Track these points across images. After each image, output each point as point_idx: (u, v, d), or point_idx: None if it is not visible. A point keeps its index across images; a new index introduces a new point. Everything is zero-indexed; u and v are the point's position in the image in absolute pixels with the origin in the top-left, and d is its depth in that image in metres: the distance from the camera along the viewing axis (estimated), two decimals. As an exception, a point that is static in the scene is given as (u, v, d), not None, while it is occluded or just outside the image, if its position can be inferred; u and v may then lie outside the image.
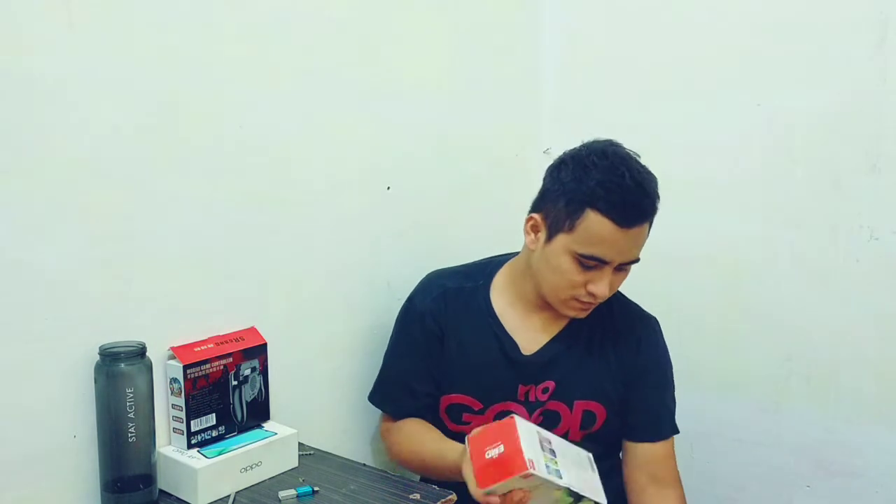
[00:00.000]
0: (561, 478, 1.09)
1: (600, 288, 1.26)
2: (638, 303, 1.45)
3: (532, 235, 1.33)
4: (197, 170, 1.22)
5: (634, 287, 1.48)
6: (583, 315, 1.33)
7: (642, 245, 1.29)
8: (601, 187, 1.23)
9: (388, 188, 1.55)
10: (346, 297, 1.49)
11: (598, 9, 1.86)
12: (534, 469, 1.05)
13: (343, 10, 1.42)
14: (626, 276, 1.31)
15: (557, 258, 1.27)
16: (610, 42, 1.85)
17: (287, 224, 1.36)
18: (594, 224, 1.23)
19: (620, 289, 1.41)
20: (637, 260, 1.29)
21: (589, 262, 1.25)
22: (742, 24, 1.66)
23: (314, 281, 1.43)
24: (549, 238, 1.29)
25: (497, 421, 1.16)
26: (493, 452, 1.09)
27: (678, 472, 1.41)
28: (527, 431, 1.11)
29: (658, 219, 1.79)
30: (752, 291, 1.71)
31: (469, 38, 1.72)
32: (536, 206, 1.33)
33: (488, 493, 1.08)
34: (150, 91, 1.15)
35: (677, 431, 1.42)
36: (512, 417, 1.12)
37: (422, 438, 1.37)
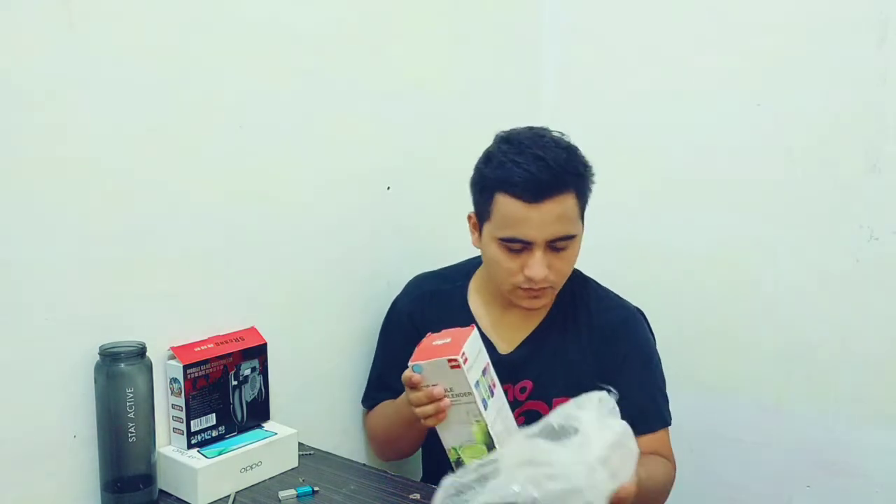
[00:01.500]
0: (486, 409, 1.08)
1: (534, 270, 1.24)
2: (637, 302, 1.44)
3: (475, 234, 1.35)
4: (197, 170, 1.22)
5: (634, 286, 1.48)
6: (537, 304, 1.32)
7: (570, 219, 1.26)
8: (502, 169, 1.24)
9: (388, 188, 1.55)
10: (345, 297, 1.49)
11: (598, 9, 1.86)
12: (463, 363, 1.05)
13: (343, 10, 1.42)
14: (570, 255, 1.29)
15: (488, 249, 1.29)
16: (610, 42, 1.85)
17: (287, 224, 1.37)
18: (504, 206, 1.24)
19: (608, 284, 1.42)
20: (570, 236, 1.26)
21: (513, 246, 1.25)
22: (742, 24, 1.66)
23: (314, 281, 1.43)
24: (480, 232, 1.31)
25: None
26: (439, 342, 1.12)
27: (673, 458, 1.36)
28: (477, 346, 1.12)
29: (658, 218, 1.80)
30: (752, 291, 1.71)
31: (469, 38, 1.72)
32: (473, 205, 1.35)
33: (414, 368, 1.09)
34: (150, 91, 1.15)
35: (667, 423, 1.36)
36: (473, 326, 1.14)
37: (389, 403, 1.37)
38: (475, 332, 1.13)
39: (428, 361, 1.08)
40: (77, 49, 1.06)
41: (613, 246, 1.87)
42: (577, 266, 1.42)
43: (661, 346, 1.41)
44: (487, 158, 1.29)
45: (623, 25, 1.83)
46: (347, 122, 1.45)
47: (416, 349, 1.13)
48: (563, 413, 1.00)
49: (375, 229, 1.53)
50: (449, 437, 1.10)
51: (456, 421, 1.09)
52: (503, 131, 1.31)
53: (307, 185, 1.40)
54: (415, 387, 1.10)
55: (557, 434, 0.98)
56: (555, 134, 1.29)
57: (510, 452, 0.98)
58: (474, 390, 1.07)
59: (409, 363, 1.10)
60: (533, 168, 1.22)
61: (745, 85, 1.66)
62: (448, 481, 0.97)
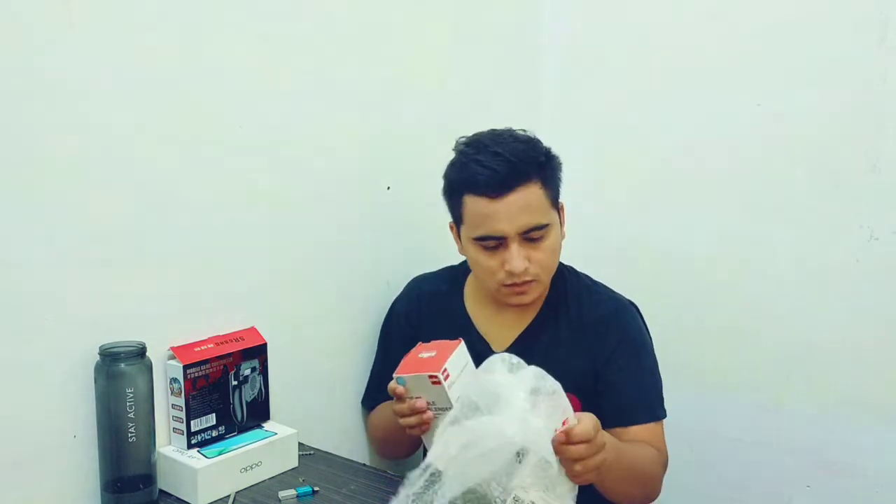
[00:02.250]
0: None
1: (513, 264, 1.26)
2: (637, 301, 1.44)
3: (458, 242, 1.37)
4: (197, 169, 1.22)
5: (634, 285, 1.48)
6: (525, 299, 1.32)
7: (538, 208, 1.26)
8: (464, 171, 1.28)
9: (388, 188, 1.55)
10: (345, 296, 1.49)
11: (598, 9, 1.86)
12: (444, 380, 1.06)
13: (343, 9, 1.42)
14: (549, 245, 1.29)
15: (468, 251, 1.32)
16: (610, 42, 1.85)
17: (287, 224, 1.37)
18: (472, 206, 1.27)
19: (608, 283, 1.42)
20: (542, 226, 1.26)
21: (488, 244, 1.27)
22: (742, 24, 1.66)
23: (314, 281, 1.43)
24: (460, 238, 1.34)
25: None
26: (425, 355, 1.13)
27: (666, 452, 1.33)
28: (462, 361, 1.12)
29: (658, 218, 1.80)
30: (752, 291, 1.71)
31: (469, 39, 1.72)
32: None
33: (398, 380, 1.11)
34: (150, 91, 1.15)
35: (657, 417, 1.33)
36: (460, 340, 1.15)
37: (388, 405, 1.36)
38: (462, 346, 1.14)
39: (410, 375, 1.09)
40: (77, 49, 1.06)
41: (613, 245, 1.87)
42: (575, 264, 1.43)
43: (660, 346, 1.41)
44: (451, 164, 1.32)
45: (623, 25, 1.83)
46: (347, 122, 1.45)
47: (403, 360, 1.14)
48: (478, 384, 1.00)
49: (375, 229, 1.53)
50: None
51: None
52: (464, 136, 1.32)
53: (307, 184, 1.39)
54: (400, 398, 1.11)
55: (481, 406, 0.98)
56: (517, 132, 1.31)
57: (439, 452, 0.97)
58: (455, 406, 1.06)
59: (394, 375, 1.12)
60: (492, 164, 1.24)
61: (745, 85, 1.66)
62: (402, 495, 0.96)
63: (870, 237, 1.56)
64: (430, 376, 1.07)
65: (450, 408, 1.07)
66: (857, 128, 1.55)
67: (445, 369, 1.07)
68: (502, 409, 0.95)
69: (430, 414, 1.09)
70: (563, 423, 0.99)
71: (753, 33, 1.65)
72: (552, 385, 0.99)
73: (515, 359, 1.02)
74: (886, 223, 1.55)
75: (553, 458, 0.97)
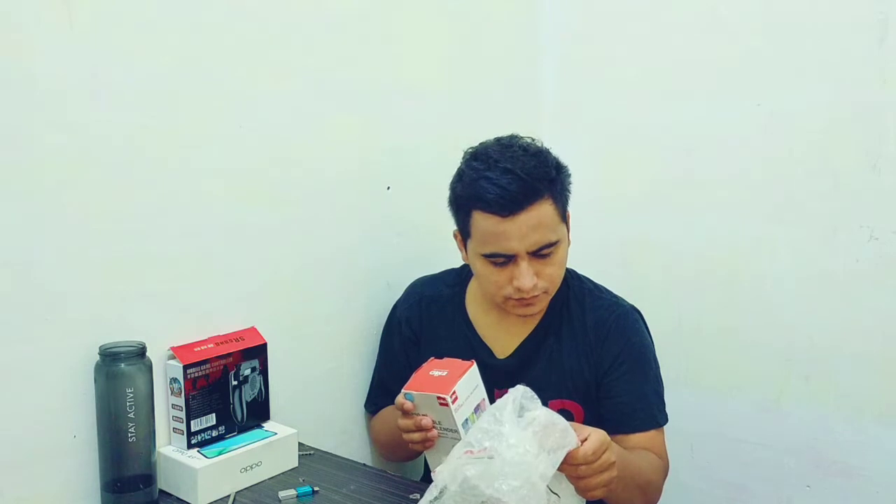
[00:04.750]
0: None
1: (523, 281, 1.24)
2: (637, 302, 1.44)
3: (462, 251, 1.35)
4: (197, 169, 1.22)
5: (634, 286, 1.48)
6: (532, 311, 1.31)
7: (549, 225, 1.24)
8: (474, 187, 1.24)
9: (388, 188, 1.55)
10: (345, 297, 1.49)
11: (598, 9, 1.86)
12: (452, 403, 1.06)
13: (343, 9, 1.42)
14: (558, 259, 1.28)
15: (475, 265, 1.30)
16: (610, 42, 1.85)
17: (287, 224, 1.37)
18: (481, 223, 1.24)
19: (608, 284, 1.42)
20: (552, 243, 1.25)
21: (497, 260, 1.25)
22: (742, 24, 1.66)
23: (314, 281, 1.43)
24: (466, 249, 1.32)
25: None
26: (436, 373, 1.13)
27: (667, 459, 1.34)
28: (472, 384, 1.12)
29: (658, 218, 1.80)
30: (752, 291, 1.71)
31: (469, 38, 1.72)
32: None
33: (406, 395, 1.11)
34: (150, 91, 1.15)
35: (659, 424, 1.33)
36: (472, 361, 1.15)
37: (391, 410, 1.36)
38: (474, 368, 1.14)
39: (419, 393, 1.10)
40: (77, 49, 1.06)
41: (613, 246, 1.87)
42: (576, 266, 1.42)
43: (660, 346, 1.41)
44: (459, 177, 1.29)
45: (623, 26, 1.83)
46: (347, 121, 1.45)
47: (414, 375, 1.14)
48: (483, 430, 0.99)
49: (375, 229, 1.53)
50: (435, 463, 1.11)
51: (443, 451, 1.09)
52: (471, 147, 1.30)
53: (307, 184, 1.40)
54: (406, 413, 1.12)
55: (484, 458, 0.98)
56: (524, 141, 1.28)
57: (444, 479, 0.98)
58: (460, 429, 1.08)
59: (403, 390, 1.12)
60: (503, 181, 1.21)
61: (745, 85, 1.66)
62: None
63: (870, 237, 1.56)
64: (439, 398, 1.07)
65: (455, 429, 1.08)
66: (857, 128, 1.55)
67: (455, 392, 1.08)
68: (506, 464, 0.95)
69: (434, 433, 1.10)
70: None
71: (753, 33, 1.65)
72: (562, 425, 1.00)
73: (529, 393, 1.02)
74: (886, 223, 1.55)
75: (554, 492, 1.00)
